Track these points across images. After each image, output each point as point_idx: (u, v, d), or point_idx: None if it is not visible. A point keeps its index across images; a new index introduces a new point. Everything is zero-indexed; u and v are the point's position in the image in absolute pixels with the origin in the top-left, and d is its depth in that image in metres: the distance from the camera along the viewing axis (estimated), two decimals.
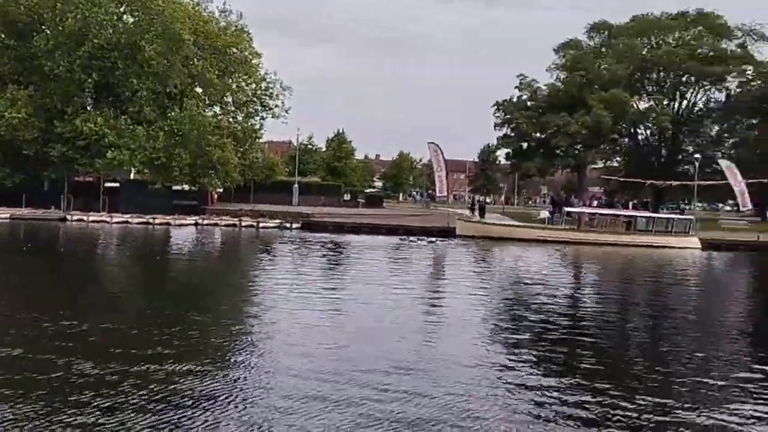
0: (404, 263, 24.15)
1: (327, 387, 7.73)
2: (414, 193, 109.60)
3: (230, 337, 10.42)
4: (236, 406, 7.01)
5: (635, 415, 7.31)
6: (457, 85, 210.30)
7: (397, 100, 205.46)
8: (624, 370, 9.54)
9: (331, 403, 7.15)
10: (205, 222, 39.24)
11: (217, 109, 46.15)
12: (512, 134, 57.92)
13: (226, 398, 7.24)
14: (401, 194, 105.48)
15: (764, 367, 9.85)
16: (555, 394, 7.95)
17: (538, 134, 56.04)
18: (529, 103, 57.34)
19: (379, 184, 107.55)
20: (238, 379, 8.06)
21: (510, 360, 9.51)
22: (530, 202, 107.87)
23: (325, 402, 7.19)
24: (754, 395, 8.34)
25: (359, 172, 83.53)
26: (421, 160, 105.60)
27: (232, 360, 9.07)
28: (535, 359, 9.65)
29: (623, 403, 7.66)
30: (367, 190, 78.36)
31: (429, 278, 20.61)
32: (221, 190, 49.15)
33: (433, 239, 34.93)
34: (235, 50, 44.47)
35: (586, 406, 7.54)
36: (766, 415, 7.51)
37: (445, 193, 44.37)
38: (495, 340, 10.95)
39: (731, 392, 8.49)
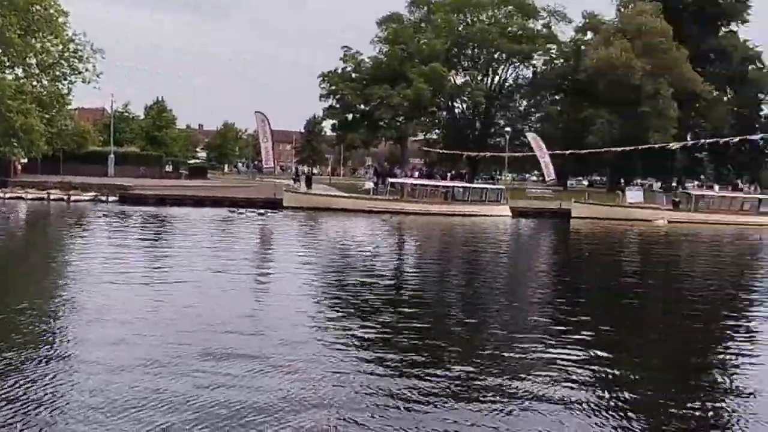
0: (231, 236, 23.76)
1: (145, 379, 7.03)
2: (240, 164, 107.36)
3: (32, 325, 9.20)
4: (27, 410, 6.11)
5: (438, 382, 7.78)
6: (285, 55, 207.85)
7: (222, 68, 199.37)
8: (441, 332, 10.14)
9: (148, 399, 6.49)
10: (8, 195, 35.97)
11: (19, 71, 42.08)
12: (337, 106, 58.42)
13: (17, 399, 6.33)
14: (227, 165, 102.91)
15: (568, 317, 10.95)
16: (377, 367, 8.32)
17: (362, 106, 56.96)
18: (353, 75, 58.04)
19: (203, 154, 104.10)
20: (36, 376, 7.05)
21: (336, 337, 9.36)
22: (356, 173, 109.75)
23: (141, 398, 6.50)
24: (556, 347, 9.25)
25: (181, 142, 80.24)
26: (246, 131, 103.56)
27: (32, 351, 7.93)
28: (365, 336, 9.59)
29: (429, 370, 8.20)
30: (191, 161, 75.64)
31: (257, 251, 20.46)
32: (25, 160, 45.21)
33: (262, 211, 34.57)
34: (38, 7, 40.67)
35: (407, 378, 7.72)
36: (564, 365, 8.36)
37: (272, 164, 44.02)
38: (321, 315, 11.00)
39: (534, 347, 9.35)
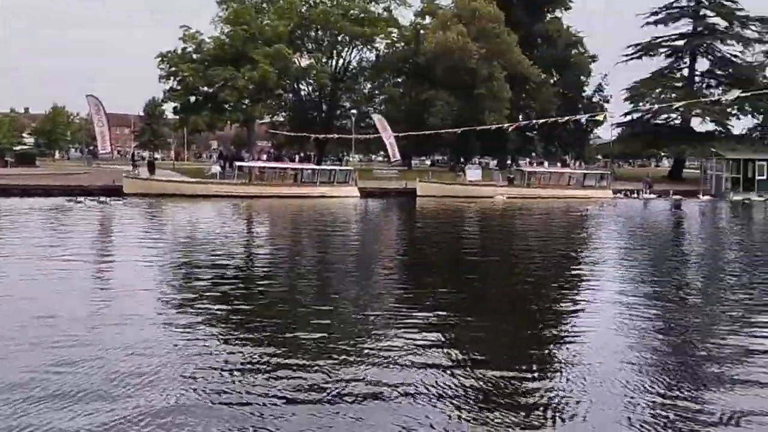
0: (66, 228, 22.43)
1: None
2: (73, 149, 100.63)
3: None
4: None
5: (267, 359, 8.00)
6: (119, 34, 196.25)
7: (47, 45, 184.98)
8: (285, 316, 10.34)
9: None
10: None
11: None
12: (179, 87, 56.30)
13: None
14: (58, 152, 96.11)
15: (415, 295, 11.55)
16: (225, 346, 8.41)
17: (205, 88, 55.35)
18: (195, 56, 56.18)
19: (30, 140, 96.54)
20: None
21: (179, 322, 9.26)
22: (201, 158, 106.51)
23: None
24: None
25: (5, 127, 74.04)
26: (78, 114, 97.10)
27: None
28: (211, 330, 9.31)
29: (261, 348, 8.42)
30: (16, 148, 69.99)
31: (96, 243, 19.51)
32: None
33: (104, 199, 32.68)
34: None
35: (259, 374, 7.67)
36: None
37: (108, 149, 41.86)
38: (167, 303, 10.70)
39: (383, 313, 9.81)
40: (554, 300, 11.95)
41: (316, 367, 7.39)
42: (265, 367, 7.45)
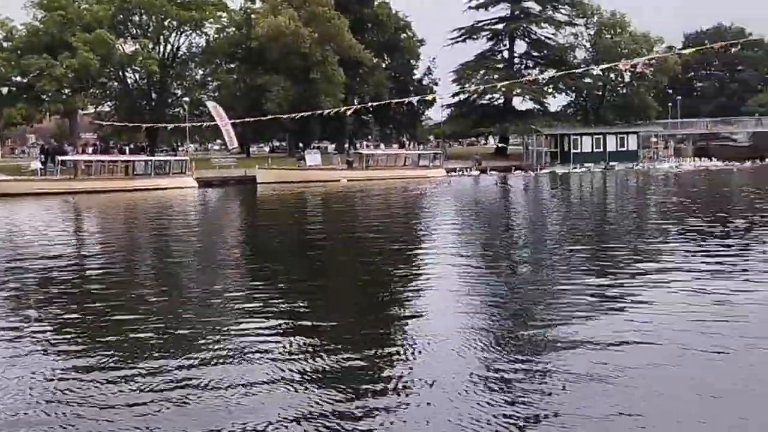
0: None
1: None
2: None
3: None
4: None
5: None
6: None
7: None
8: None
9: None
10: None
11: None
12: None
13: None
14: None
15: (260, 284, 11.65)
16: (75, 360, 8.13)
17: (19, 78, 51.21)
18: (5, 44, 51.79)
19: None
20: None
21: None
22: (17, 153, 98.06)
23: None
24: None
25: None
26: None
27: None
28: (37, 322, 9.21)
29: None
30: None
31: None
32: None
33: None
34: None
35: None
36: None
37: None
38: None
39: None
40: (396, 278, 12.52)
41: (157, 365, 7.33)
42: (92, 369, 7.25)
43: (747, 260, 12.66)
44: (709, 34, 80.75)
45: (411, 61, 72.15)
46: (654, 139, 60.71)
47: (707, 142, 64.49)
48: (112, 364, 7.37)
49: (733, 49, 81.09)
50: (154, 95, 60.02)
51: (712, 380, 6.53)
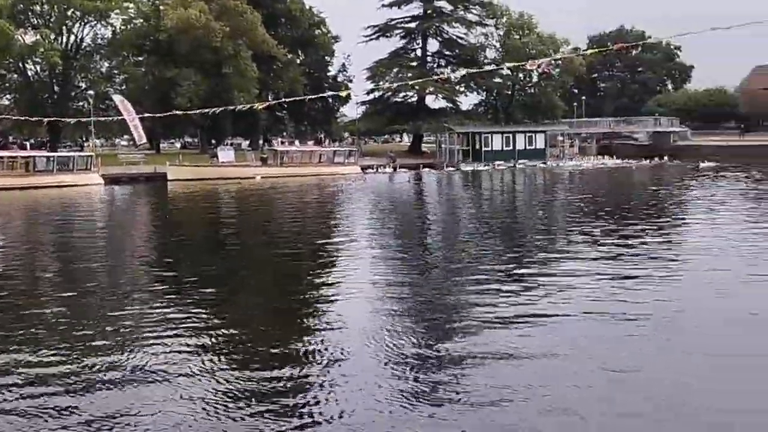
0: None
1: None
2: None
3: None
4: None
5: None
6: None
7: None
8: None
9: None
10: None
11: None
12: None
13: None
14: None
15: (172, 280, 11.42)
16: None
17: None
18: None
19: None
20: None
21: None
22: None
23: None
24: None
25: None
26: None
27: None
28: None
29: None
30: None
31: None
32: None
33: None
34: None
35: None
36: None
37: None
38: None
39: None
40: (311, 273, 12.58)
41: (65, 372, 7.16)
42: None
43: (637, 254, 13.42)
44: (612, 36, 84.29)
45: (326, 57, 71.96)
46: (560, 138, 62.88)
47: (610, 141, 67.41)
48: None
49: (633, 52, 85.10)
50: (56, 88, 57.41)
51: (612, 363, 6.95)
